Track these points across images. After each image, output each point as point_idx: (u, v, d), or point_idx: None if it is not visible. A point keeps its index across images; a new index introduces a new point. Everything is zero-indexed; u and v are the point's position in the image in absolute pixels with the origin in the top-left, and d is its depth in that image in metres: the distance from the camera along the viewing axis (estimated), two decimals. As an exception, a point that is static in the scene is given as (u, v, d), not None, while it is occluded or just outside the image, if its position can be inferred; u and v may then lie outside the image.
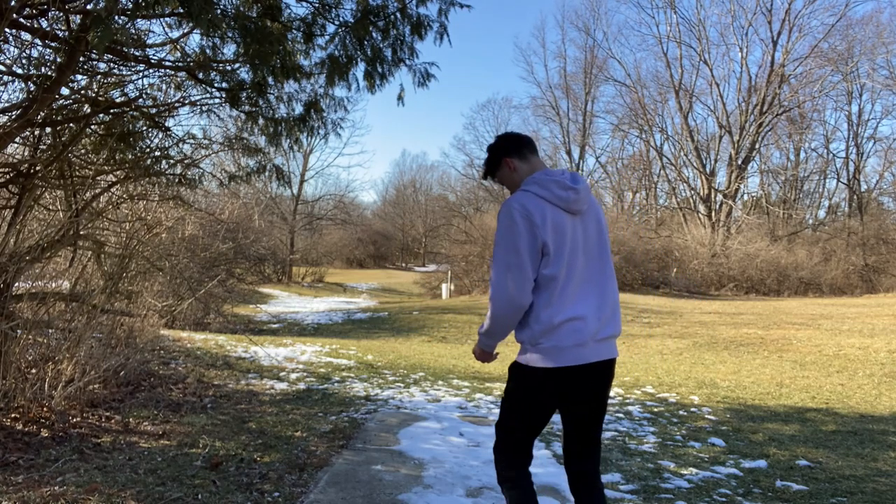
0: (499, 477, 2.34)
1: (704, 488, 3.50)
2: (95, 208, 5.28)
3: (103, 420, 4.21)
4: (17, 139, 4.49)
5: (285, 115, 4.96)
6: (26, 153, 4.93)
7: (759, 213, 34.64)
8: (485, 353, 2.37)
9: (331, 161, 72.68)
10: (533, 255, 2.09)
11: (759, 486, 3.55)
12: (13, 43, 4.38)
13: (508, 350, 2.98)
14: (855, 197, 35.17)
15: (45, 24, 4.11)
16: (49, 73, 4.25)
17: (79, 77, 4.76)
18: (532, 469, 3.82)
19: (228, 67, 4.72)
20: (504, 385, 2.74)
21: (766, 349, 10.07)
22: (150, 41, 4.68)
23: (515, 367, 2.24)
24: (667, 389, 6.66)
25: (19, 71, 4.34)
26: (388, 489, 3.24)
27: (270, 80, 4.52)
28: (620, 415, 5.35)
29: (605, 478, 3.60)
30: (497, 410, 5.32)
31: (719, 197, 33.37)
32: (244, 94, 4.72)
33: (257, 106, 4.83)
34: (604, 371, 2.21)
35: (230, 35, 4.28)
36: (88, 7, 3.97)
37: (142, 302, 6.82)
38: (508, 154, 2.36)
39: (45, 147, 4.78)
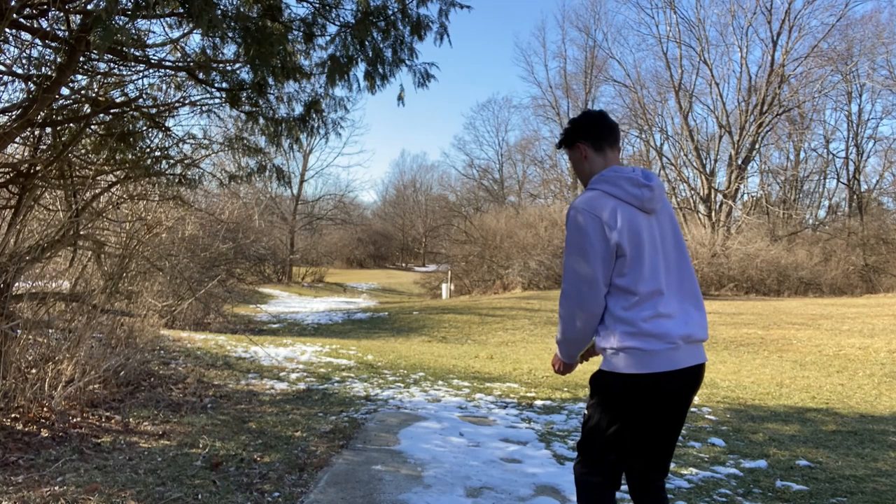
0: None
1: (704, 488, 3.50)
2: (95, 208, 5.27)
3: (103, 420, 4.21)
4: (17, 139, 4.49)
5: (285, 115, 4.97)
6: (26, 153, 4.93)
7: (759, 213, 34.62)
8: (564, 363, 2.19)
9: (331, 161, 72.62)
10: (606, 260, 1.92)
11: (759, 486, 3.55)
12: (13, 43, 4.38)
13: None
14: (855, 197, 35.14)
15: (45, 24, 4.11)
16: (49, 73, 4.25)
17: (79, 77, 4.76)
18: (532, 469, 3.67)
19: (229, 67, 4.72)
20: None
21: (766, 349, 10.07)
22: (150, 41, 4.68)
23: (599, 378, 2.01)
24: (667, 389, 6.66)
25: (19, 71, 4.35)
26: (388, 489, 3.24)
27: (271, 80, 4.52)
28: (620, 415, 5.34)
29: (605, 478, 3.60)
30: (497, 410, 5.31)
31: (719, 197, 33.35)
32: (244, 95, 4.73)
33: (257, 106, 4.83)
34: (695, 378, 2.00)
35: (230, 35, 4.28)
36: (89, 7, 3.98)
37: (142, 302, 6.82)
38: (583, 139, 2.11)
39: (45, 147, 4.78)
